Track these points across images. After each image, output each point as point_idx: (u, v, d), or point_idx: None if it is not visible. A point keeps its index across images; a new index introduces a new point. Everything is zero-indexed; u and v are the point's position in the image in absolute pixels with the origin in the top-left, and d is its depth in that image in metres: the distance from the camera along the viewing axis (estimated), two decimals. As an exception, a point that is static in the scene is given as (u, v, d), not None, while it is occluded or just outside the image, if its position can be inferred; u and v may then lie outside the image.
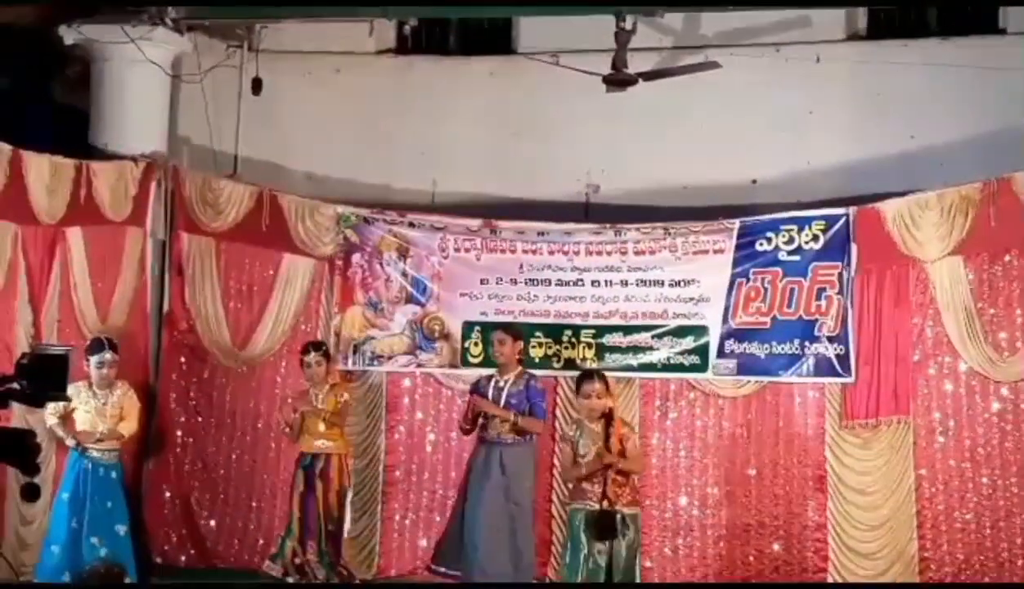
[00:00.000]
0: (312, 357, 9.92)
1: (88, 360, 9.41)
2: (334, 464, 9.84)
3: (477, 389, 9.61)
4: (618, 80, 9.99)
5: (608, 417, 8.24)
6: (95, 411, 9.28)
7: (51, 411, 9.18)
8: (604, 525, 8.04)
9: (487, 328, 10.68)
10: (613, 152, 11.08)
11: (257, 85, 10.71)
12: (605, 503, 8.03)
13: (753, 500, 10.32)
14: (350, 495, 10.07)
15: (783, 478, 10.30)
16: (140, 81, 10.65)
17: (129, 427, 9.54)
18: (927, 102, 10.61)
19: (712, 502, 10.31)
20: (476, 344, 10.74)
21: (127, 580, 8.80)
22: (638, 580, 8.31)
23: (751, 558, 10.23)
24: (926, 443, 9.99)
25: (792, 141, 10.81)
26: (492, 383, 9.54)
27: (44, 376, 5.05)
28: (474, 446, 9.64)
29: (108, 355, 9.39)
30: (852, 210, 10.20)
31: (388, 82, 11.49)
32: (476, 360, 10.73)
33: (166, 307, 10.80)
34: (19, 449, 4.99)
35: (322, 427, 9.81)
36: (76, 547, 9.08)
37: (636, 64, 10.08)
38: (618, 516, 8.07)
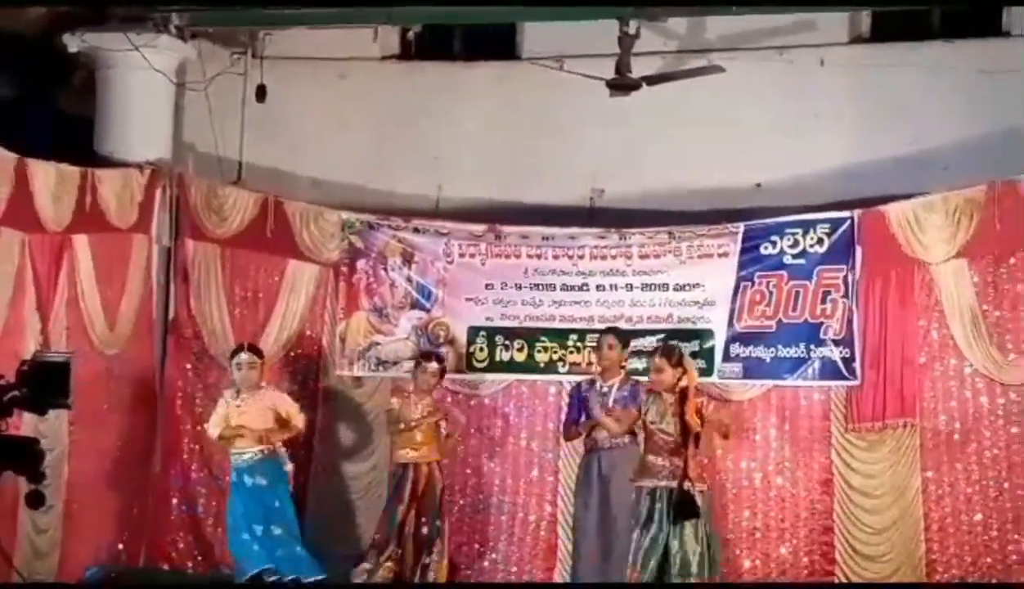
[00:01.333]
0: (432, 366, 9.96)
1: (230, 367, 9.64)
2: (423, 472, 9.81)
3: (580, 395, 9.59)
4: (622, 84, 9.99)
5: (683, 394, 8.35)
6: (239, 415, 9.48)
7: (213, 424, 9.55)
8: (682, 506, 8.15)
9: (492, 333, 10.69)
10: (617, 156, 11.08)
11: (261, 92, 10.72)
12: (686, 483, 8.15)
13: (759, 503, 10.31)
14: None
15: (789, 481, 10.29)
16: (144, 88, 10.65)
17: (296, 418, 9.69)
18: (931, 105, 10.59)
19: (718, 505, 10.28)
20: (482, 349, 10.75)
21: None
22: (708, 562, 8.29)
23: (757, 561, 10.22)
24: (932, 446, 9.97)
25: (796, 144, 10.80)
26: (596, 388, 9.50)
27: (46, 383, 5.08)
28: (583, 456, 9.66)
29: (244, 356, 9.56)
30: (857, 213, 10.20)
31: (392, 88, 11.50)
32: (482, 365, 10.74)
33: (172, 314, 10.80)
34: (24, 456, 5.02)
35: (419, 437, 9.82)
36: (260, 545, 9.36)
37: (640, 68, 10.08)
38: (697, 498, 8.17)
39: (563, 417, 10.04)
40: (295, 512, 9.76)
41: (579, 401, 9.63)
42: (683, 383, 8.43)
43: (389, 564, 9.67)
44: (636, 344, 10.43)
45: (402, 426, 9.82)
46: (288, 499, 9.66)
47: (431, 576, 9.72)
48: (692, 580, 8.18)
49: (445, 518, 10.00)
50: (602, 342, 9.68)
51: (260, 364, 9.68)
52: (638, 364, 10.37)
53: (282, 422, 9.65)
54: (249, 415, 9.52)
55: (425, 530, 9.78)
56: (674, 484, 8.24)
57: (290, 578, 9.35)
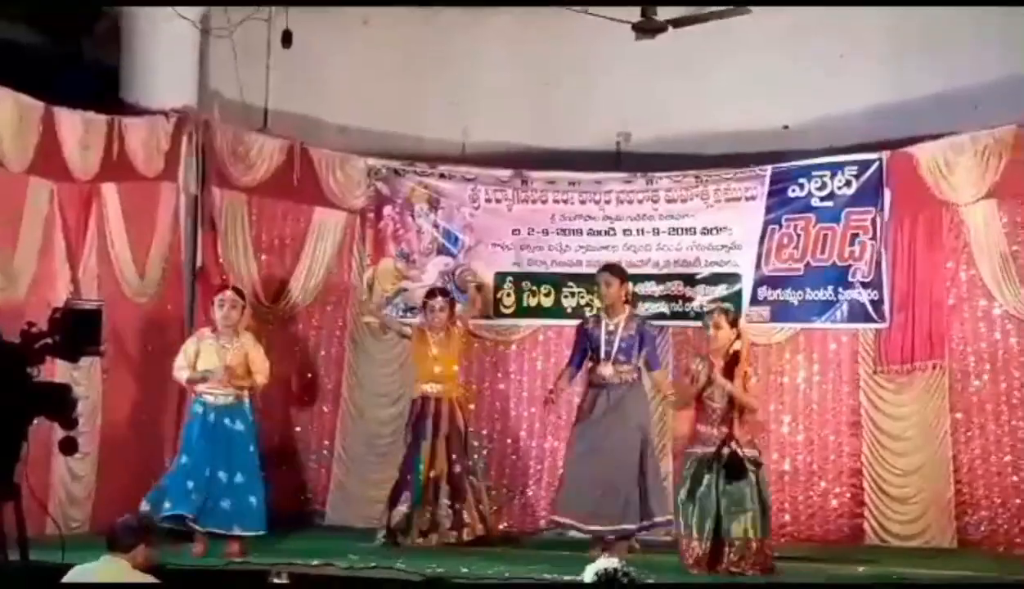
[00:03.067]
0: (438, 302, 9.89)
1: (212, 304, 9.38)
2: (444, 408, 9.80)
3: (586, 331, 9.49)
4: (648, 27, 9.92)
5: (735, 357, 8.36)
6: (216, 354, 9.14)
7: (179, 365, 9.19)
8: (732, 466, 8.18)
9: (519, 278, 10.70)
10: (644, 100, 11.03)
11: (287, 37, 10.66)
12: (733, 444, 8.19)
13: (788, 447, 10.34)
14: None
15: (818, 424, 10.32)
16: (170, 35, 10.60)
17: (260, 373, 9.26)
18: (960, 44, 10.49)
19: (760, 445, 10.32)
20: (508, 294, 10.77)
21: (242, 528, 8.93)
22: (759, 522, 8.31)
23: (786, 504, 10.26)
24: (961, 387, 9.98)
25: (824, 86, 10.73)
26: (602, 326, 9.38)
27: (78, 330, 5.09)
28: (583, 391, 9.58)
29: (228, 293, 9.22)
30: (885, 155, 10.16)
31: (417, 33, 11.45)
32: (508, 310, 10.77)
33: (199, 261, 10.83)
34: (57, 403, 5.04)
35: (437, 369, 9.80)
36: (190, 481, 8.94)
37: (665, 11, 10.01)
38: (745, 460, 8.21)
39: (569, 354, 9.89)
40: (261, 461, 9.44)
41: (584, 339, 9.51)
42: (736, 346, 8.42)
43: (427, 509, 9.66)
44: (664, 289, 10.45)
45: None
46: (258, 447, 9.43)
47: (465, 521, 9.71)
48: (748, 539, 8.21)
49: (473, 458, 10.01)
50: (599, 279, 9.53)
51: (242, 306, 9.36)
52: (664, 308, 10.42)
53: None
54: (228, 356, 9.26)
55: (458, 468, 9.77)
56: (723, 450, 8.26)
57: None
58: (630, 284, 9.69)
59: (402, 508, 9.65)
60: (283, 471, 10.79)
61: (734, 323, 8.56)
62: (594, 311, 10.02)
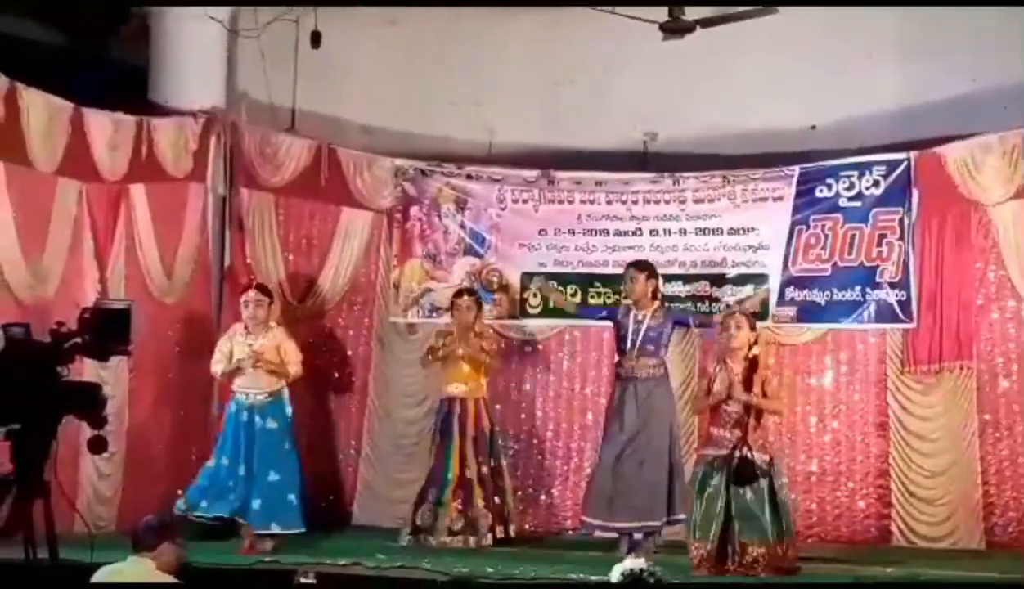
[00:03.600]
0: (464, 301, 9.94)
1: (241, 302, 9.59)
2: (470, 410, 9.82)
3: (615, 318, 9.59)
4: (675, 27, 9.90)
5: (753, 363, 8.35)
6: (247, 351, 9.35)
7: (215, 360, 9.44)
8: (741, 471, 8.17)
9: (546, 279, 10.70)
10: (671, 100, 11.00)
11: (316, 38, 10.69)
12: (745, 449, 8.17)
13: (815, 448, 10.32)
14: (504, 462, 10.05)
15: (845, 425, 10.29)
16: (198, 36, 10.65)
17: (293, 364, 9.46)
18: (987, 43, 10.43)
19: (774, 450, 10.29)
20: (535, 295, 10.76)
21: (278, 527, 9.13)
22: (773, 526, 8.28)
23: (813, 505, 10.24)
24: (989, 388, 9.94)
25: (851, 85, 10.69)
26: (631, 316, 9.49)
27: (107, 330, 5.12)
28: (612, 386, 9.69)
29: (251, 293, 9.46)
30: (913, 155, 10.12)
31: (444, 33, 11.44)
32: (535, 311, 10.76)
33: (227, 262, 10.87)
34: (87, 402, 5.07)
35: (466, 369, 9.84)
36: (222, 481, 9.18)
37: (693, 10, 9.99)
38: (757, 463, 8.19)
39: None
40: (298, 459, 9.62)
41: (616, 327, 9.64)
42: (755, 351, 8.42)
43: (456, 505, 9.66)
44: (692, 289, 10.44)
45: (441, 353, 9.85)
46: (295, 445, 9.60)
47: (493, 522, 9.71)
48: (762, 543, 8.19)
49: (503, 459, 10.02)
50: (626, 276, 9.63)
51: (267, 303, 9.56)
52: (691, 309, 10.40)
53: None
54: (261, 351, 9.44)
55: (485, 469, 9.78)
56: (735, 453, 8.24)
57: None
58: (659, 280, 9.71)
59: (426, 507, 9.66)
60: (311, 470, 10.82)
61: (753, 327, 8.56)
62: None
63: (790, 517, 8.49)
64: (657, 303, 9.57)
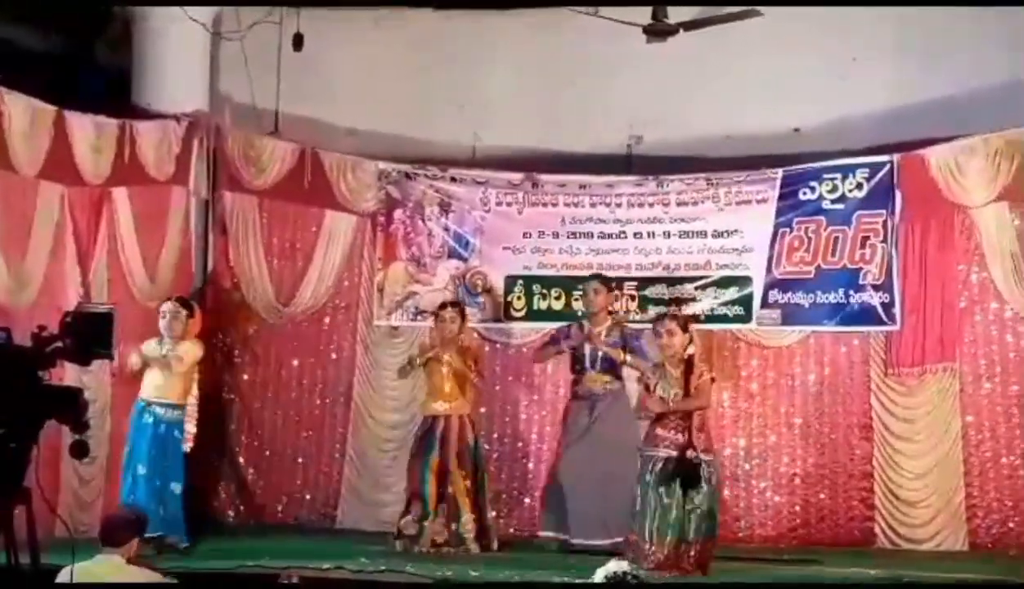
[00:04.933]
0: (448, 313, 9.69)
1: (160, 311, 9.44)
2: (453, 425, 9.64)
3: (567, 334, 9.57)
4: (659, 30, 9.93)
5: (689, 363, 8.27)
6: (159, 362, 9.26)
7: (133, 361, 9.27)
8: (688, 474, 8.11)
9: (530, 282, 10.70)
10: (655, 103, 11.02)
11: (298, 41, 10.68)
12: (690, 452, 8.09)
13: (798, 450, 10.33)
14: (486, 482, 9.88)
15: (828, 427, 10.31)
16: (181, 39, 10.64)
17: (181, 360, 9.19)
18: (971, 47, 10.49)
19: (757, 452, 10.32)
20: (519, 298, 10.77)
21: (177, 539, 8.92)
22: (716, 524, 8.29)
23: (797, 507, 10.25)
24: (972, 390, 9.98)
25: (835, 88, 10.73)
26: (584, 332, 9.48)
27: (89, 334, 5.09)
28: (567, 404, 9.70)
29: (168, 305, 9.34)
30: (896, 157, 10.15)
31: (427, 36, 11.46)
32: (519, 314, 10.77)
33: (210, 265, 10.86)
34: (68, 406, 5.05)
35: (447, 388, 9.63)
36: (134, 497, 9.02)
37: (677, 13, 10.02)
38: (701, 465, 8.15)
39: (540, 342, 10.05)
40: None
41: (563, 339, 9.62)
42: (689, 351, 8.32)
43: (440, 519, 9.58)
44: (675, 291, 10.46)
45: (419, 362, 9.67)
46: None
47: (478, 535, 9.63)
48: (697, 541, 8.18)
49: (485, 474, 9.90)
50: (587, 288, 9.65)
51: (184, 316, 9.35)
52: (676, 312, 10.38)
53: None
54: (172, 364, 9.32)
55: (470, 482, 9.65)
56: (675, 453, 8.18)
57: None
58: (614, 295, 9.89)
59: (412, 518, 9.58)
60: (293, 473, 10.83)
61: (685, 327, 8.44)
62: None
63: (717, 518, 8.40)
64: (611, 319, 9.59)
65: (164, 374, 9.22)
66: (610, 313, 9.68)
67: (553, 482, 9.59)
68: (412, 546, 9.45)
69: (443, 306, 9.89)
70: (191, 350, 9.34)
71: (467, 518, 9.53)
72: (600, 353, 9.41)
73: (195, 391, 9.52)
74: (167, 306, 9.35)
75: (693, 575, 8.11)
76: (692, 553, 8.14)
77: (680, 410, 8.23)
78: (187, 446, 9.40)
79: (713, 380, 8.52)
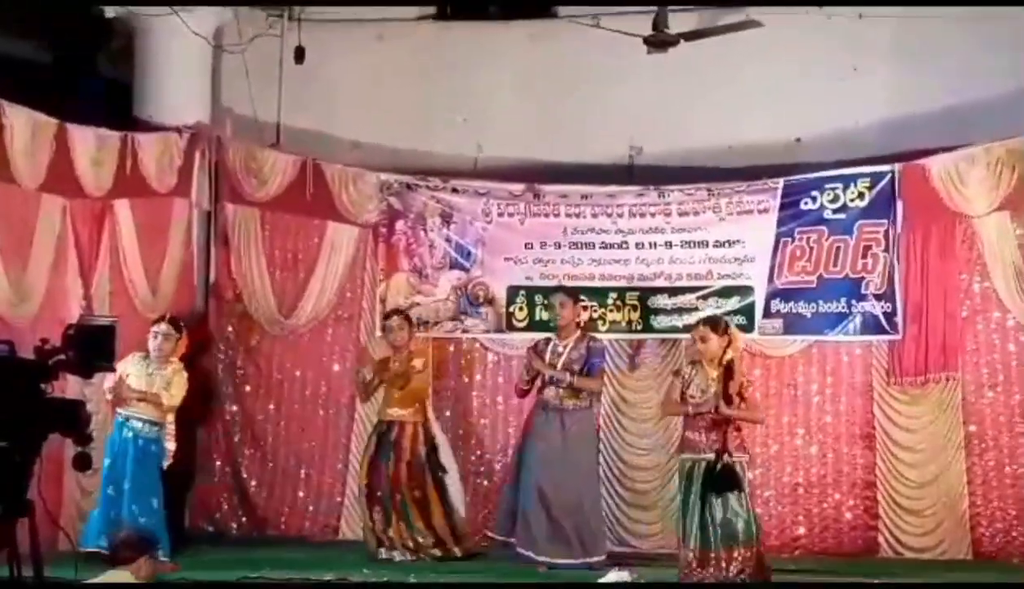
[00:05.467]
0: (394, 321, 9.84)
1: (151, 331, 9.46)
2: (407, 433, 9.72)
3: (535, 350, 9.53)
4: (659, 41, 9.94)
5: (729, 368, 8.24)
6: (144, 379, 9.26)
7: (108, 381, 9.16)
8: (724, 479, 8.10)
9: (532, 292, 10.71)
10: (656, 113, 11.02)
11: (300, 54, 10.71)
12: (726, 457, 8.09)
13: (801, 459, 10.32)
14: (452, 474, 9.84)
15: (831, 437, 10.30)
16: (182, 52, 10.66)
17: (172, 397, 9.23)
18: (971, 56, 10.48)
19: (760, 462, 10.30)
20: (521, 309, 10.76)
21: (160, 552, 8.83)
22: (754, 527, 8.24)
23: (800, 517, 10.25)
24: (975, 399, 9.97)
25: (836, 98, 10.73)
26: (550, 347, 9.46)
27: (91, 347, 5.10)
28: (531, 409, 9.61)
29: (162, 326, 9.33)
30: (897, 167, 10.16)
31: (429, 48, 11.47)
32: (521, 324, 10.76)
33: (212, 277, 10.86)
34: (71, 419, 5.05)
35: (396, 394, 9.73)
36: (115, 511, 9.04)
37: (677, 24, 10.02)
38: (737, 469, 8.15)
39: (517, 377, 9.91)
40: None
41: (526, 364, 9.56)
42: (729, 355, 8.32)
43: (401, 525, 9.58)
44: (677, 301, 10.46)
45: (376, 383, 9.77)
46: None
47: (439, 541, 9.65)
48: (739, 548, 8.14)
49: (446, 480, 9.85)
50: (553, 302, 9.65)
51: (176, 339, 9.35)
52: (677, 322, 10.42)
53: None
54: (156, 384, 9.25)
55: (418, 493, 9.66)
56: (710, 457, 8.19)
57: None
58: (582, 307, 9.90)
59: (377, 523, 9.60)
60: (296, 484, 10.82)
61: (725, 331, 8.45)
62: (606, 326, 10.30)
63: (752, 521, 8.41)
64: (579, 332, 9.55)
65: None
66: (578, 326, 9.60)
67: (515, 493, 9.45)
68: (387, 552, 9.46)
69: (388, 315, 10.05)
70: (179, 385, 9.28)
71: (420, 526, 9.57)
72: (561, 364, 9.32)
73: (167, 402, 9.33)
74: (161, 327, 9.31)
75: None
76: (730, 563, 8.11)
77: (735, 418, 8.23)
78: (166, 463, 9.36)
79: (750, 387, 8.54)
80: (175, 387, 9.25)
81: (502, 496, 9.80)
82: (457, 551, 9.61)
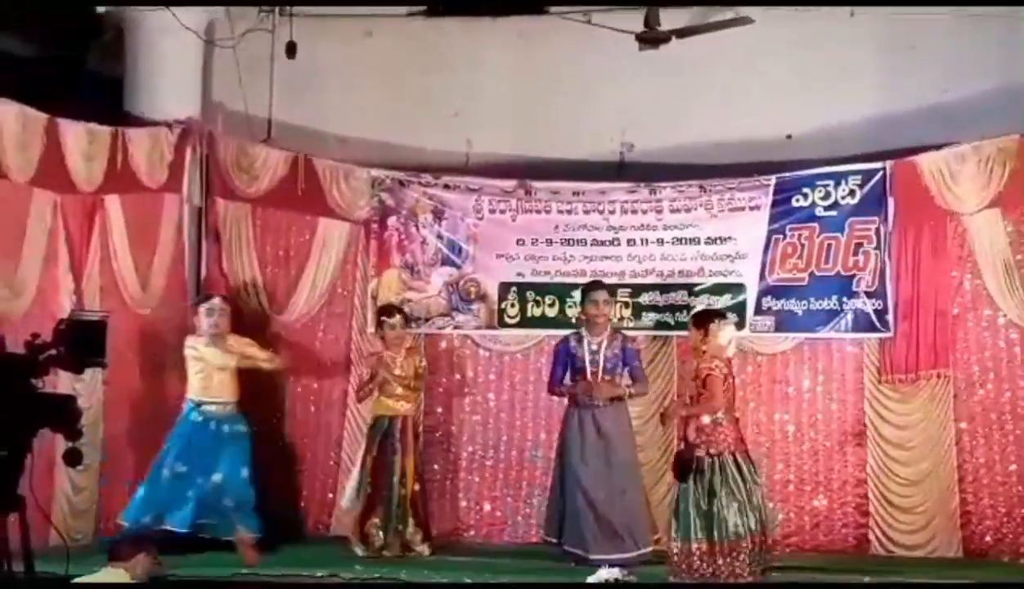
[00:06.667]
0: (396, 320, 9.96)
1: (197, 313, 9.60)
2: (409, 426, 9.84)
3: (568, 350, 9.54)
4: (651, 38, 9.92)
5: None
6: (221, 356, 9.48)
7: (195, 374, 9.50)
8: (682, 465, 8.26)
9: (523, 289, 10.70)
10: (647, 110, 11.02)
11: (292, 49, 10.68)
12: (681, 445, 8.34)
13: (792, 457, 10.33)
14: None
15: (822, 434, 10.31)
16: (173, 47, 10.64)
17: (269, 356, 9.85)
18: (962, 53, 10.51)
19: (751, 459, 10.29)
20: (513, 305, 10.76)
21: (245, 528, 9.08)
22: (762, 521, 8.34)
23: (791, 514, 10.25)
24: (966, 396, 9.98)
25: (827, 95, 10.74)
26: (585, 345, 9.48)
27: (82, 342, 5.11)
28: (565, 410, 9.63)
29: (216, 301, 9.49)
30: (889, 164, 10.16)
31: (420, 44, 11.46)
32: (513, 321, 10.76)
33: (203, 273, 10.84)
34: (62, 414, 5.05)
35: (400, 390, 9.82)
36: (178, 485, 9.20)
37: (669, 21, 10.02)
38: (699, 456, 8.24)
39: (547, 372, 9.94)
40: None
41: (566, 356, 9.60)
42: (703, 347, 8.48)
43: (399, 527, 9.64)
44: (669, 298, 10.47)
45: (375, 382, 9.87)
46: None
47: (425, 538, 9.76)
48: (742, 543, 8.18)
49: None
50: (597, 298, 9.58)
51: (229, 311, 9.74)
52: (668, 319, 10.43)
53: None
54: (233, 356, 9.56)
55: (418, 486, 9.80)
56: (712, 451, 8.27)
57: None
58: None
59: (376, 521, 9.62)
60: (288, 481, 10.80)
61: (704, 325, 8.60)
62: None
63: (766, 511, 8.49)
64: (610, 328, 9.60)
65: (215, 374, 9.52)
66: (609, 322, 9.67)
67: (559, 494, 9.49)
68: (381, 551, 9.47)
69: (390, 313, 10.10)
70: (252, 343, 9.74)
71: (412, 523, 9.67)
72: (602, 364, 9.38)
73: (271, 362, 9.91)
74: (215, 302, 9.67)
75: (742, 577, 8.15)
76: (733, 554, 8.15)
77: (688, 416, 8.37)
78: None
79: (728, 378, 8.55)
80: (253, 347, 9.74)
81: (549, 497, 9.79)
82: (427, 551, 9.69)
